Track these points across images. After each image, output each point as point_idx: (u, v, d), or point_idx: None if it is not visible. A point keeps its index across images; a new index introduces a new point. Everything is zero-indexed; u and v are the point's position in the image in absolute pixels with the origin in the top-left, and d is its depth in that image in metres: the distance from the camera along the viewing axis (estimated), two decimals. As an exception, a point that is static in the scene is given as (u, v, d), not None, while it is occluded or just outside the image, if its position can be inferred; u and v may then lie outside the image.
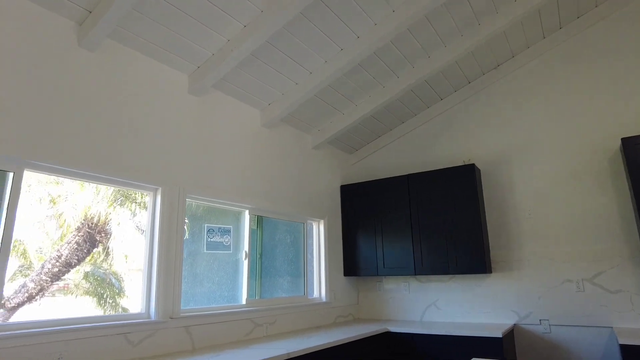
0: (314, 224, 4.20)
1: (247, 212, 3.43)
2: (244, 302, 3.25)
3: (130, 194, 4.58)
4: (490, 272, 3.67)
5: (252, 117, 3.55)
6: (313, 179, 4.17)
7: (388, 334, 3.67)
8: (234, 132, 3.35)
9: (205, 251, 3.06)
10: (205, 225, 3.09)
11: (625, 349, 2.76)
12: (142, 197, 4.43)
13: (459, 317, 3.92)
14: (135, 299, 2.80)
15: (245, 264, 3.32)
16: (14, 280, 3.04)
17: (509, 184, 3.92)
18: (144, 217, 2.99)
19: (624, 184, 3.46)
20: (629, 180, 3.32)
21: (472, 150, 4.16)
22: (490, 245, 3.90)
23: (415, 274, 3.91)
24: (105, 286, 5.48)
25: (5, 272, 2.00)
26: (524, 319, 3.64)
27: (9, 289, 2.30)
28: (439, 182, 3.93)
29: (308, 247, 4.10)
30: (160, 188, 2.72)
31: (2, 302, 2.04)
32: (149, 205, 2.73)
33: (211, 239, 3.09)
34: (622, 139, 3.16)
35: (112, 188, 2.70)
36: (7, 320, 2.16)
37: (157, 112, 2.77)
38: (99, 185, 2.68)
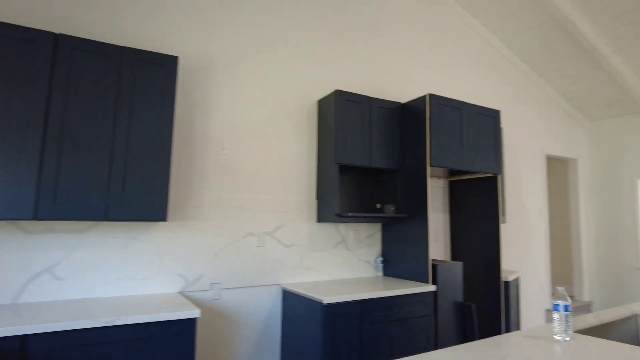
0: None
1: None
2: None
3: None
4: (166, 219, 2.45)
5: None
6: None
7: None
8: None
9: None
10: None
11: (328, 308, 2.49)
12: None
13: (96, 289, 2.39)
14: None
15: None
16: None
17: (204, 105, 2.85)
18: None
19: (313, 138, 3.30)
20: (317, 136, 3.25)
21: (164, 38, 2.73)
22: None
23: (36, 218, 2.03)
24: None
25: None
26: (192, 284, 2.69)
27: None
28: (115, 68, 2.28)
29: None
30: None
31: None
32: None
33: None
34: (319, 100, 2.98)
35: None
36: None
37: None
38: None
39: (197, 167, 2.78)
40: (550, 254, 5.22)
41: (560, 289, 1.57)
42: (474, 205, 3.86)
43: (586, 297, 5.64)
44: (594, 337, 1.56)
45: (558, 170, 6.73)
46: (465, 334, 3.19)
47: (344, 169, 3.35)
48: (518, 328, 3.99)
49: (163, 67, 2.39)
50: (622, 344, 1.48)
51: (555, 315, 1.54)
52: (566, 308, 1.53)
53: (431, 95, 3.21)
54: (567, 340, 1.51)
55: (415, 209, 3.21)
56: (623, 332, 2.06)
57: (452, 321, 3.11)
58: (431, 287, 2.98)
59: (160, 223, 2.61)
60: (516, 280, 4.00)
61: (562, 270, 6.54)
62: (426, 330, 2.93)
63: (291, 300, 2.87)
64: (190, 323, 2.08)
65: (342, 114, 3.07)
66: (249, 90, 3.03)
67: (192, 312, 2.07)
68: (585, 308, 5.57)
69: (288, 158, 3.15)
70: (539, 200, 5.17)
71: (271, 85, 3.13)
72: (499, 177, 3.66)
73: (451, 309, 3.12)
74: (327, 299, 2.50)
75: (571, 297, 5.99)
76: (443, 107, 3.29)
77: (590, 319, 1.94)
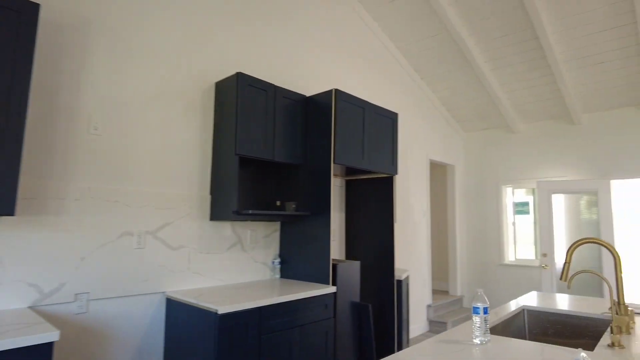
0: None
1: None
2: None
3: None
4: (13, 213, 1.88)
5: None
6: None
7: None
8: None
9: None
10: None
11: (223, 318, 2.19)
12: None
13: None
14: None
15: None
16: None
17: (73, 73, 2.30)
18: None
19: (209, 125, 2.94)
20: (213, 123, 2.94)
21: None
22: (13, 165, 2.06)
23: None
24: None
25: None
26: (49, 296, 2.14)
27: None
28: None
29: None
30: None
31: None
32: None
33: None
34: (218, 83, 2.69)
35: None
36: None
37: None
38: None
39: (60, 148, 2.22)
40: (431, 253, 5.63)
41: (479, 290, 1.53)
42: (369, 204, 3.87)
43: (459, 292, 6.16)
44: (510, 338, 1.55)
45: (437, 175, 7.28)
46: (362, 334, 3.14)
47: (242, 162, 3.05)
48: (408, 325, 4.11)
49: (17, 14, 1.83)
50: (536, 342, 1.49)
51: (476, 319, 1.49)
52: (485, 310, 1.48)
53: (337, 91, 3.10)
54: (485, 343, 1.47)
55: (317, 207, 3.05)
56: (515, 326, 2.15)
57: (349, 322, 3.03)
58: (332, 289, 2.85)
59: (6, 218, 2.01)
60: (407, 278, 4.12)
61: (440, 268, 7.08)
62: (326, 334, 2.79)
63: (178, 311, 2.48)
64: (44, 349, 1.60)
65: (244, 100, 2.78)
66: (133, 61, 2.55)
67: (48, 335, 1.59)
68: (458, 302, 6.08)
69: (178, 145, 2.74)
70: (422, 202, 5.48)
71: (160, 58, 2.69)
72: (394, 178, 3.71)
73: (349, 309, 3.04)
74: (222, 309, 2.19)
75: (446, 292, 6.50)
76: (347, 104, 3.21)
77: (491, 317, 1.98)
